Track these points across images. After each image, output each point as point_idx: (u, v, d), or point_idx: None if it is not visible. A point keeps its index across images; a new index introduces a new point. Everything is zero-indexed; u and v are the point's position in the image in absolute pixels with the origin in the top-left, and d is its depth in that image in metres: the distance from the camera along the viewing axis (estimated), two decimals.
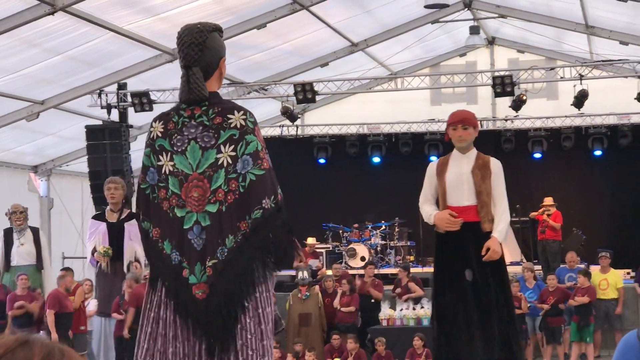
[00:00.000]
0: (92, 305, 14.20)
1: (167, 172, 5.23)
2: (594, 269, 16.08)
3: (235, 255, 5.07)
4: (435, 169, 9.06)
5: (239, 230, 5.08)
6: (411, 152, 22.76)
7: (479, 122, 9.11)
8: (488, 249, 8.62)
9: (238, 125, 5.19)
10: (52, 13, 14.43)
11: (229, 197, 5.10)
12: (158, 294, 5.23)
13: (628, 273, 16.83)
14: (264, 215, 5.09)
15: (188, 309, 5.08)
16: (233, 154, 5.14)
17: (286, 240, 5.26)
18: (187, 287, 5.07)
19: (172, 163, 5.23)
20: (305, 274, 15.02)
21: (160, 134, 5.30)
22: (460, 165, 8.98)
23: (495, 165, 8.97)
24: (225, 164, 5.14)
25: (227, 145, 5.16)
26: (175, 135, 5.25)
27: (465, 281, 8.79)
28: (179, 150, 5.23)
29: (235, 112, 5.23)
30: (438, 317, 9.03)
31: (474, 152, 9.13)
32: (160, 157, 5.26)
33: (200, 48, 5.34)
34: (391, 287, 16.93)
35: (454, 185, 8.89)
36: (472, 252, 8.79)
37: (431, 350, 9.80)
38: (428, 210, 8.93)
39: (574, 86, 19.14)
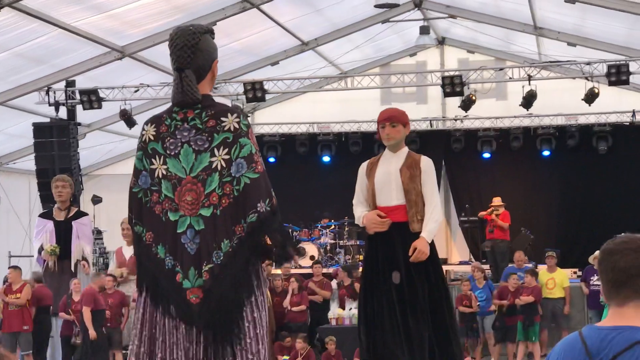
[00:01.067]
0: None
1: (160, 175, 5.20)
2: (542, 268, 16.21)
3: (231, 260, 5.03)
4: (365, 169, 8.91)
5: (235, 234, 5.04)
6: (361, 151, 22.78)
7: (409, 120, 8.96)
8: (415, 249, 8.41)
9: (232, 128, 5.15)
10: None
11: (223, 201, 5.07)
12: (149, 298, 5.18)
13: (575, 272, 17.00)
14: (260, 218, 5.05)
15: (181, 314, 5.04)
16: (227, 157, 5.11)
17: (284, 241, 5.23)
18: (180, 291, 5.04)
19: (165, 166, 5.19)
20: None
21: (152, 137, 5.25)
22: (389, 165, 8.79)
23: (426, 164, 8.69)
24: (219, 167, 5.10)
25: (221, 148, 5.12)
26: (168, 138, 5.20)
27: (392, 284, 8.56)
28: (172, 153, 5.19)
29: (229, 114, 5.19)
30: (365, 322, 8.79)
31: (404, 150, 8.89)
32: (153, 161, 5.22)
33: (192, 50, 5.28)
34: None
35: (381, 185, 8.71)
36: (400, 253, 8.58)
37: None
38: (359, 212, 8.77)
39: (523, 87, 19.28)
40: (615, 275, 3.09)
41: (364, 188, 8.86)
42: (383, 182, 8.70)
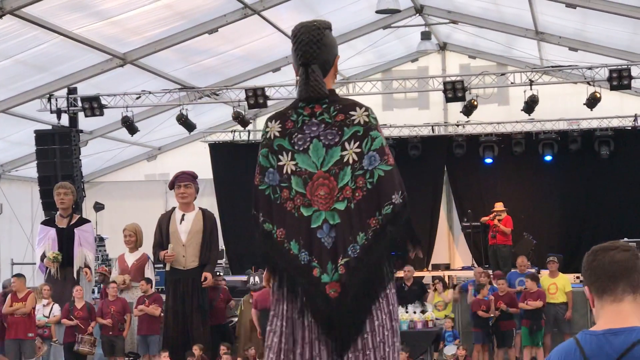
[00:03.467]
0: (56, 309, 14.05)
1: (289, 171, 5.20)
2: (544, 273, 16.19)
3: (366, 253, 5.03)
4: None
5: (369, 227, 5.05)
6: None
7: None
8: None
9: (362, 122, 5.17)
10: (0, 16, 14.30)
11: (356, 194, 5.07)
12: (285, 295, 5.20)
13: (577, 277, 16.96)
14: (394, 210, 5.05)
15: (320, 308, 5.04)
16: (358, 150, 5.12)
17: (412, 235, 5.23)
18: (319, 286, 5.04)
19: (294, 162, 5.19)
20: (257, 279, 14.99)
21: (278, 134, 5.27)
22: None
23: None
24: (351, 160, 5.11)
25: (352, 142, 5.14)
26: (296, 134, 5.21)
27: None
28: (301, 149, 5.20)
29: (357, 108, 5.22)
30: None
31: None
32: (281, 157, 5.23)
33: (318, 45, 5.26)
34: None
35: None
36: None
37: None
38: None
39: (525, 92, 19.27)
40: (613, 267, 3.06)
41: None
42: None
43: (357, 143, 5.13)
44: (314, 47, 5.24)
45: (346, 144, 5.14)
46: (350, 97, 5.71)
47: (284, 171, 5.21)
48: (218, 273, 15.16)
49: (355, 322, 5.03)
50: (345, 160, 5.12)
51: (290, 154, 5.21)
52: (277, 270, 5.24)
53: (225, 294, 14.64)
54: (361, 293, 5.05)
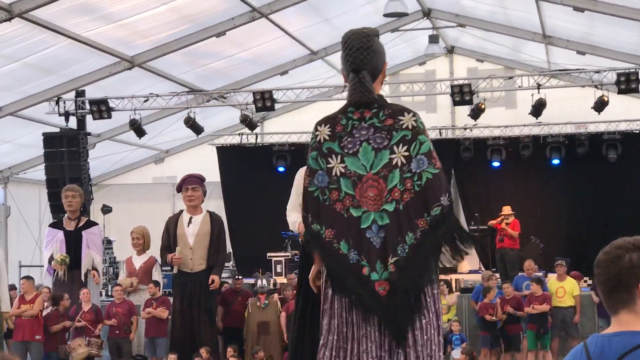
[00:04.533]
0: None
1: (339, 173, 5.36)
2: (552, 277, 16.19)
3: (415, 252, 5.18)
4: (303, 177, 8.79)
5: (418, 228, 5.20)
6: None
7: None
8: None
9: (410, 127, 5.32)
10: (9, 19, 14.35)
11: (405, 196, 5.23)
12: (334, 292, 5.37)
13: (585, 281, 16.98)
14: (442, 212, 5.22)
15: (369, 306, 5.20)
16: (406, 154, 5.28)
17: (463, 234, 5.42)
18: (368, 284, 5.18)
19: (343, 165, 5.35)
20: (264, 282, 15.00)
21: (327, 137, 5.42)
22: None
23: None
24: (399, 163, 5.27)
25: (400, 145, 5.29)
26: (346, 137, 5.37)
27: None
28: (350, 152, 5.36)
29: (405, 113, 5.38)
30: (295, 336, 8.68)
31: None
32: (330, 160, 5.39)
33: (368, 52, 5.43)
34: None
35: None
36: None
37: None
38: (294, 218, 8.46)
39: (532, 95, 19.27)
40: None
41: (301, 195, 8.74)
42: None
43: (406, 147, 5.29)
44: (364, 53, 5.41)
45: (395, 148, 5.30)
46: (397, 103, 5.98)
47: (333, 173, 5.37)
48: (238, 277, 15.17)
49: (405, 319, 5.18)
50: (394, 163, 5.28)
51: (339, 156, 5.37)
52: (326, 269, 5.43)
53: (244, 297, 14.63)
54: (410, 291, 5.21)
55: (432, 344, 5.25)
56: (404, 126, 5.33)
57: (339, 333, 5.36)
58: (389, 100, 5.73)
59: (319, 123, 5.54)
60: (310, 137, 5.57)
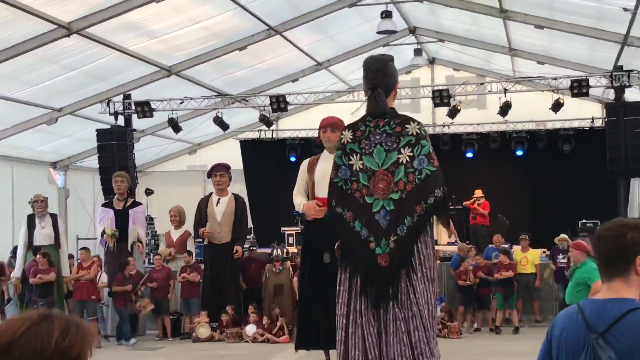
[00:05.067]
0: (103, 278, 14.11)
1: (358, 169, 5.73)
2: (516, 249, 16.16)
3: (411, 233, 5.57)
4: (307, 166, 8.81)
5: (415, 212, 5.58)
6: None
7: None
8: None
9: (414, 133, 5.73)
10: (68, 35, 14.35)
11: (407, 187, 5.61)
12: (349, 266, 5.75)
13: (544, 252, 16.93)
14: (436, 201, 5.62)
15: (372, 273, 5.55)
16: (410, 154, 5.67)
17: (447, 218, 6.06)
18: (373, 256, 5.58)
19: (361, 162, 5.72)
20: (279, 251, 14.98)
21: (350, 140, 5.81)
22: (327, 163, 8.29)
23: None
24: (404, 162, 5.65)
25: (406, 147, 5.69)
26: (364, 140, 5.76)
27: (323, 263, 8.53)
28: (367, 152, 5.75)
29: (411, 122, 5.82)
30: (301, 296, 8.81)
31: None
32: (351, 158, 5.77)
33: (383, 74, 5.86)
34: None
35: (320, 180, 8.50)
36: (332, 237, 8.59)
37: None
38: (299, 201, 8.68)
39: (500, 98, 19.22)
40: (601, 259, 3.07)
41: (304, 181, 8.79)
42: (321, 177, 8.48)
43: (410, 149, 5.69)
44: (380, 75, 5.85)
45: (402, 149, 5.69)
46: (405, 114, 6.24)
47: (354, 168, 5.74)
48: (252, 248, 15.14)
49: (396, 285, 5.55)
50: (400, 161, 5.66)
51: (359, 155, 5.75)
52: (343, 243, 5.80)
53: (257, 264, 14.63)
54: (404, 264, 5.57)
55: (429, 305, 5.60)
56: (409, 133, 5.71)
57: (348, 305, 5.68)
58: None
59: (344, 128, 5.96)
60: (338, 139, 5.99)
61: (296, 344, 9.10)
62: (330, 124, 8.78)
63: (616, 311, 2.91)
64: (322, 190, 8.55)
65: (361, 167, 5.72)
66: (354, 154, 5.76)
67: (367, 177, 5.69)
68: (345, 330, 5.77)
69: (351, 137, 5.82)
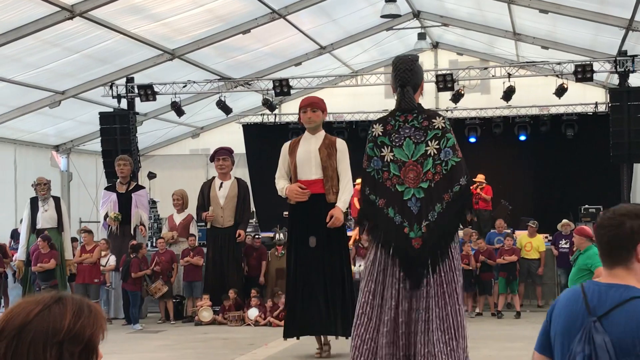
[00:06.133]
0: (111, 260, 14.14)
1: (389, 160, 6.15)
2: (520, 233, 16.18)
3: (441, 217, 6.01)
4: (288, 148, 8.88)
5: (444, 200, 6.02)
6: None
7: (326, 108, 8.93)
8: (332, 217, 8.48)
9: (440, 127, 6.14)
10: (71, 18, 14.33)
11: (435, 177, 6.06)
12: (381, 247, 6.11)
13: (546, 237, 16.96)
14: (461, 189, 6.06)
15: (407, 255, 5.97)
16: (437, 147, 6.09)
17: (470, 205, 6.40)
18: (407, 239, 6.00)
19: (392, 154, 6.14)
20: (282, 235, 15.02)
21: (380, 133, 6.22)
22: (309, 144, 8.76)
23: (341, 144, 8.85)
24: (432, 154, 6.08)
25: (433, 140, 6.11)
26: (394, 134, 6.18)
27: (308, 247, 8.60)
28: (397, 144, 6.16)
29: (437, 117, 6.23)
30: (288, 281, 8.91)
31: (322, 133, 8.87)
32: (382, 150, 6.18)
33: (411, 73, 6.23)
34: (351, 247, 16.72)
35: (302, 162, 8.68)
36: (317, 220, 8.58)
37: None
38: (281, 184, 8.79)
39: (504, 83, 19.21)
40: (602, 247, 3.08)
41: (286, 164, 8.88)
42: (304, 159, 8.72)
43: (437, 142, 6.10)
44: (408, 74, 6.22)
45: (429, 142, 6.11)
46: (431, 109, 6.82)
47: (385, 160, 6.16)
48: (257, 235, 15.17)
49: (431, 265, 5.96)
50: (428, 153, 6.09)
51: (389, 147, 6.17)
52: (376, 227, 6.16)
53: (258, 253, 14.66)
54: (436, 246, 5.99)
55: (454, 283, 6.00)
56: (435, 127, 6.13)
57: (377, 276, 6.06)
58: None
59: (375, 122, 6.32)
60: (369, 132, 6.35)
61: (285, 333, 9.07)
62: (311, 104, 8.77)
63: (618, 297, 2.92)
64: (304, 173, 8.72)
65: (392, 158, 6.14)
66: (385, 146, 6.18)
67: (398, 167, 6.12)
68: (371, 305, 6.12)
69: (382, 130, 6.21)
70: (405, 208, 6.07)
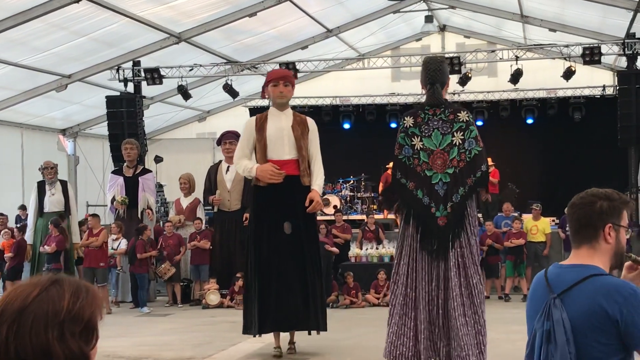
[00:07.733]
0: (122, 244, 14.12)
1: (419, 148, 6.87)
2: (526, 217, 16.15)
3: (464, 199, 6.80)
4: (254, 125, 8.28)
5: (467, 184, 6.82)
6: (375, 120, 22.72)
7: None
8: (312, 201, 8.05)
9: (464, 120, 6.90)
10: (78, 1, 14.31)
11: (460, 164, 6.82)
12: (412, 225, 6.84)
13: (553, 220, 16.93)
14: (482, 175, 6.88)
15: (433, 231, 6.74)
16: (462, 137, 6.85)
17: (486, 184, 7.14)
18: (434, 218, 6.79)
19: (421, 143, 6.86)
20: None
21: (411, 124, 6.91)
22: (280, 121, 8.26)
23: (313, 123, 8.41)
24: (457, 143, 6.84)
25: (458, 132, 6.87)
26: (423, 125, 6.89)
27: (283, 233, 8.07)
28: (426, 135, 6.88)
29: (462, 111, 6.99)
30: (256, 269, 8.13)
31: (290, 110, 8.46)
32: (413, 139, 6.88)
33: (440, 72, 7.02)
34: (358, 230, 16.73)
35: (274, 140, 8.15)
36: (292, 204, 8.10)
37: (244, 300, 8.89)
38: (247, 164, 8.14)
39: (511, 66, 19.12)
40: (571, 225, 3.24)
41: (252, 143, 8.26)
42: (276, 137, 8.18)
43: (462, 133, 6.86)
44: (438, 73, 6.99)
45: (455, 133, 6.85)
46: (456, 104, 7.80)
47: (415, 148, 6.87)
48: None
49: (453, 239, 6.73)
50: (453, 143, 6.84)
51: (419, 137, 6.87)
52: (407, 207, 6.89)
53: None
54: (459, 223, 6.77)
55: (472, 255, 6.76)
56: (460, 120, 6.88)
57: (410, 252, 6.76)
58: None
59: (406, 115, 7.02)
60: (400, 123, 7.06)
61: (255, 328, 8.22)
62: (284, 77, 8.42)
63: (576, 275, 3.05)
64: (275, 152, 8.17)
65: (421, 147, 6.85)
66: (415, 136, 6.87)
67: (427, 155, 6.83)
68: (406, 276, 6.77)
69: (412, 122, 6.89)
70: (433, 191, 6.81)
